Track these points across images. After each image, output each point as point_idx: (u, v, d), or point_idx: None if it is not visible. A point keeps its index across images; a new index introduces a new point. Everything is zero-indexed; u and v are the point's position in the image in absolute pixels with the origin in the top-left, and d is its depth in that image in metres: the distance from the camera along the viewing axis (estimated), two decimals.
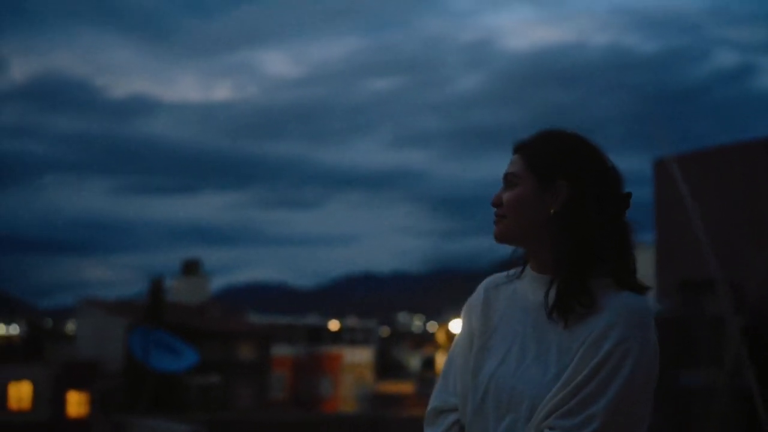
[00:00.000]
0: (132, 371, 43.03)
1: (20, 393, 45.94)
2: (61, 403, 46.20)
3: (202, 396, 51.85)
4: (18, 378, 46.12)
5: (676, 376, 13.89)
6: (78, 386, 46.54)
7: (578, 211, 2.15)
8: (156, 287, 48.87)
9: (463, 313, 2.38)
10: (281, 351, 63.56)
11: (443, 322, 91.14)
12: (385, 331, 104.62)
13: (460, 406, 2.28)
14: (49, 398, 45.94)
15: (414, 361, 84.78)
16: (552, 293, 2.15)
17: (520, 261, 2.33)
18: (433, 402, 2.37)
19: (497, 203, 2.26)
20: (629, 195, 2.21)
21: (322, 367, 64.76)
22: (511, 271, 2.35)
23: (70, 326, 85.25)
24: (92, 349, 54.57)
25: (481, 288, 2.37)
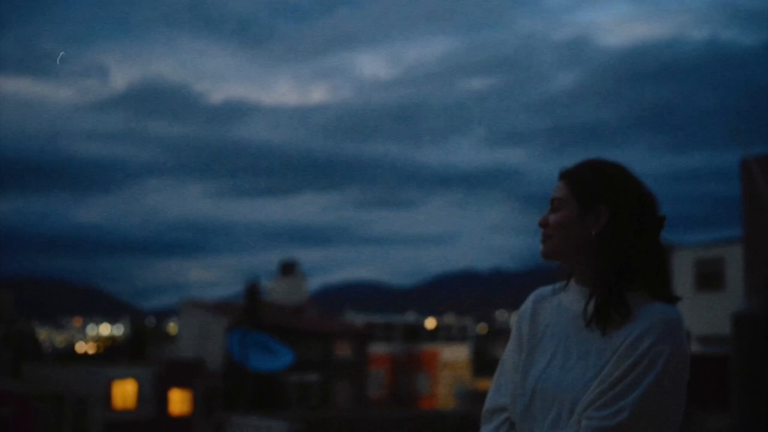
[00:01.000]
0: (232, 371, 43.79)
1: (125, 391, 46.89)
2: (164, 401, 47.02)
3: (301, 394, 52.46)
4: (122, 377, 47.10)
5: (765, 374, 13.81)
6: (180, 385, 47.30)
7: (617, 233, 2.43)
8: (252, 289, 49.56)
9: (514, 322, 2.66)
10: (379, 349, 63.94)
11: None
12: (482, 328, 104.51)
13: (510, 405, 2.52)
14: (153, 397, 46.82)
15: None
16: (591, 305, 2.43)
17: (565, 275, 2.58)
18: (487, 404, 2.60)
19: (544, 224, 2.55)
20: (664, 218, 2.48)
21: (419, 365, 64.95)
22: (557, 285, 2.61)
23: (172, 326, 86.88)
24: (194, 348, 55.60)
25: (530, 299, 2.65)
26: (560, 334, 2.49)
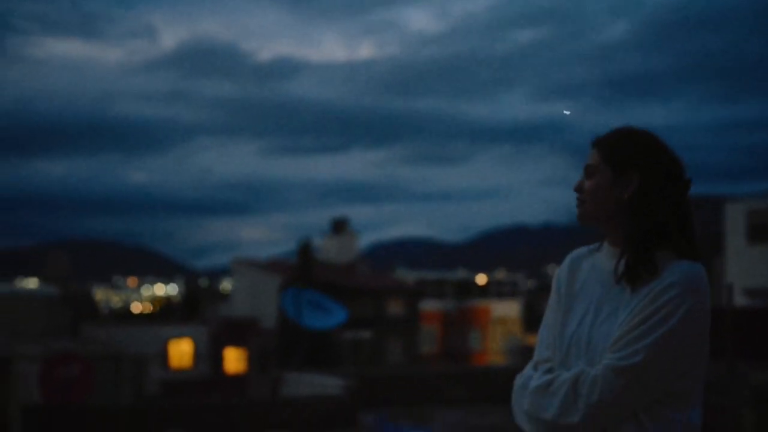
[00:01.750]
0: (286, 329, 44.25)
1: (181, 351, 47.61)
2: (219, 360, 47.68)
3: (354, 352, 52.90)
4: (178, 336, 47.80)
5: None
6: (235, 343, 47.87)
7: (646, 197, 2.64)
8: (305, 248, 49.95)
9: (553, 281, 2.86)
10: (430, 306, 64.17)
11: None
12: (533, 283, 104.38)
13: (551, 357, 2.75)
14: (208, 355, 47.49)
15: None
16: (621, 264, 2.64)
17: (600, 236, 2.79)
18: (534, 357, 2.81)
19: (578, 190, 2.76)
20: (690, 181, 2.68)
21: (470, 321, 65.16)
22: (592, 246, 2.82)
23: (225, 285, 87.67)
24: (247, 307, 56.20)
25: (567, 260, 2.86)
26: (594, 292, 2.70)
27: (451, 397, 25.29)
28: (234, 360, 48.09)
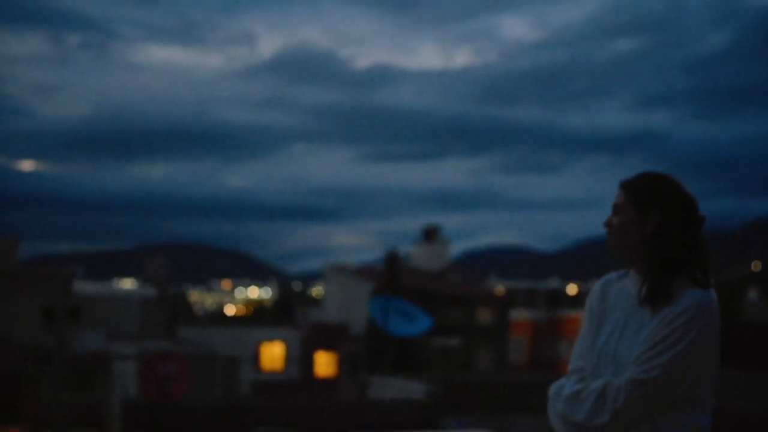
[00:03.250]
0: (374, 335, 44.81)
1: (272, 353, 48.42)
2: (310, 363, 48.33)
3: (443, 358, 53.22)
4: (270, 339, 48.63)
5: None
6: (326, 347, 48.49)
7: (665, 233, 3.11)
8: (392, 256, 50.50)
9: (587, 300, 3.36)
10: (520, 315, 64.15)
11: None
12: None
13: (584, 367, 3.23)
14: (299, 359, 48.19)
15: None
16: (643, 289, 3.11)
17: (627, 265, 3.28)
18: (570, 366, 3.30)
19: (608, 225, 3.24)
20: (704, 218, 3.15)
21: (560, 331, 64.93)
22: (621, 272, 3.31)
23: (317, 290, 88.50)
24: (338, 312, 56.90)
25: (599, 282, 3.33)
26: (621, 312, 3.19)
27: (535, 405, 25.53)
28: (324, 364, 48.69)
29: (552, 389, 3.24)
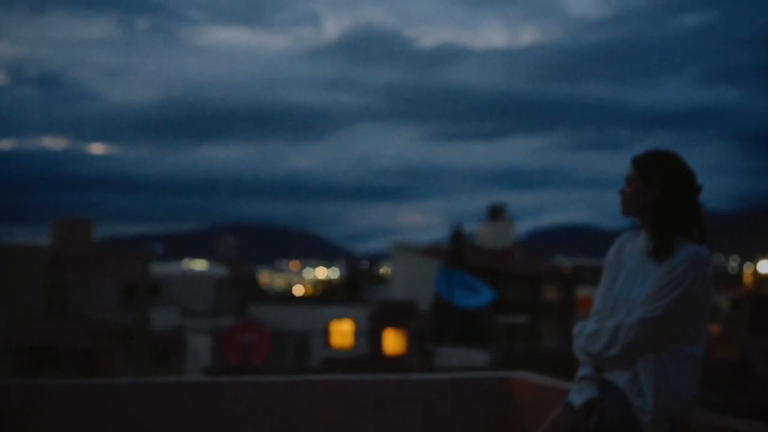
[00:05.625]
0: (439, 308, 45.48)
1: (342, 331, 49.31)
2: (379, 341, 49.05)
3: (508, 335, 53.71)
4: (339, 317, 49.52)
5: None
6: (394, 325, 49.15)
7: (666, 201, 3.91)
8: (457, 233, 51.10)
9: (608, 253, 4.17)
10: (587, 292, 64.38)
11: (753, 262, 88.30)
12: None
13: (603, 308, 4.06)
14: (368, 336, 48.96)
15: (724, 302, 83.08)
16: (650, 245, 3.94)
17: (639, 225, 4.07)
18: (592, 309, 4.13)
19: (621, 192, 4.02)
20: (700, 187, 3.96)
21: None
22: (635, 231, 4.09)
23: (384, 269, 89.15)
24: (405, 290, 57.60)
25: (618, 239, 4.17)
26: (633, 263, 4.00)
27: None
28: (393, 341, 49.34)
29: (576, 328, 4.07)
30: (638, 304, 3.84)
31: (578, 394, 3.92)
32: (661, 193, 3.90)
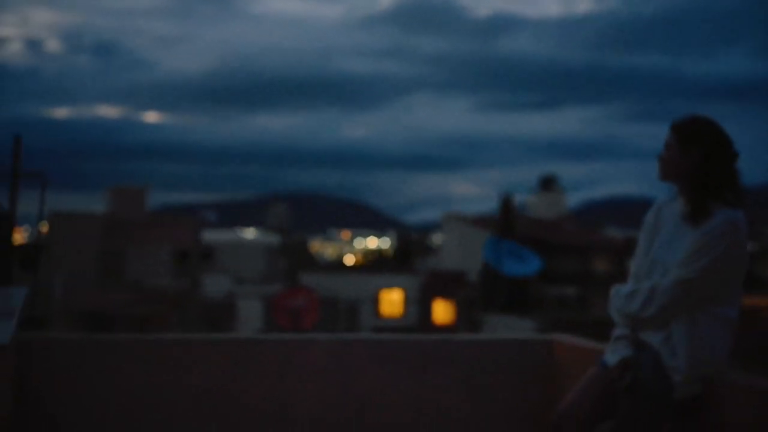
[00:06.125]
0: (488, 277, 45.54)
1: (391, 300, 49.59)
2: (428, 310, 49.25)
3: (558, 305, 53.66)
4: (389, 286, 49.80)
5: None
6: (443, 295, 49.32)
7: (705, 167, 3.98)
8: (506, 202, 51.08)
9: (645, 217, 4.24)
10: None
11: None
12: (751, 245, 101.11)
13: (640, 270, 4.16)
14: (418, 305, 49.23)
15: None
16: (687, 209, 4.01)
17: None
18: (630, 270, 4.23)
19: (659, 158, 4.12)
20: (737, 154, 4.02)
21: None
22: (672, 195, 4.16)
23: (436, 239, 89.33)
24: (456, 260, 57.70)
25: (656, 204, 4.26)
26: (671, 226, 4.08)
27: None
28: (442, 311, 49.50)
29: (613, 290, 4.19)
30: (674, 267, 3.93)
31: (613, 354, 4.05)
32: (698, 158, 3.97)
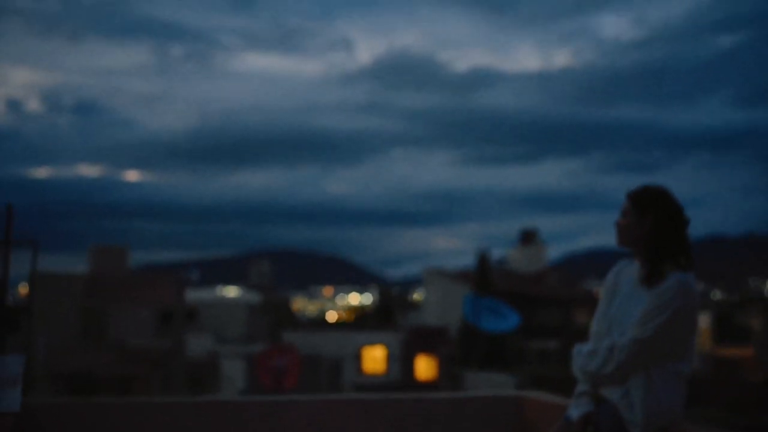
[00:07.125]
0: (467, 333, 45.69)
1: (374, 356, 49.53)
2: (411, 366, 49.24)
3: (540, 359, 53.77)
4: (372, 343, 49.78)
5: None
6: (426, 350, 49.34)
7: (658, 233, 4.30)
8: (482, 259, 51.39)
9: (605, 279, 4.56)
10: None
11: None
12: (730, 296, 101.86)
13: (599, 330, 4.46)
14: (400, 361, 49.18)
15: (759, 326, 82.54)
16: (642, 272, 4.33)
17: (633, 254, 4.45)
18: (590, 330, 4.53)
19: (616, 225, 4.42)
20: (688, 220, 4.34)
21: None
22: (630, 260, 4.49)
23: (417, 295, 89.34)
24: (437, 315, 57.83)
25: (616, 266, 4.57)
26: (627, 288, 4.39)
27: None
28: (425, 367, 49.49)
29: (575, 349, 4.49)
30: (630, 326, 4.22)
31: (576, 409, 4.33)
32: (652, 225, 4.28)
